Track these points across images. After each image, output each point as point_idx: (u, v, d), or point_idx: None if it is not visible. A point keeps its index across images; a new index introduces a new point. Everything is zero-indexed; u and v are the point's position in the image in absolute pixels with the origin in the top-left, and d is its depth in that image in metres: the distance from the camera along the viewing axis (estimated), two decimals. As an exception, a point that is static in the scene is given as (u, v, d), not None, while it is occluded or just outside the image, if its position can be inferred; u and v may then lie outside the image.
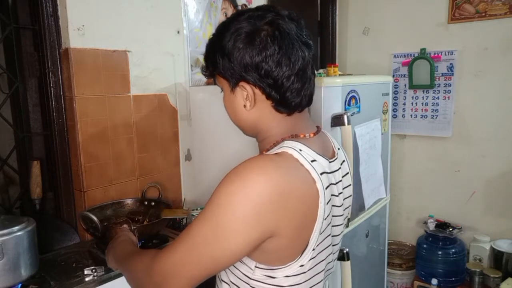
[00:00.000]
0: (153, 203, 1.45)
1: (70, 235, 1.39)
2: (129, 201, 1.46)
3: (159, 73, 1.64)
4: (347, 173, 0.89)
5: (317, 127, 0.87)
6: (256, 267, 0.73)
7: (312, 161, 0.74)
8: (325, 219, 0.75)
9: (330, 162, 0.81)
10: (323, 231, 0.76)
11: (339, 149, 0.91)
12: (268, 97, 0.77)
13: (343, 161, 0.89)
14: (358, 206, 1.69)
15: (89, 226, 1.20)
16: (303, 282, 0.75)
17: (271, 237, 0.68)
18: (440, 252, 2.36)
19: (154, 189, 1.54)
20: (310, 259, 0.74)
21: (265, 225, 0.67)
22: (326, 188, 0.75)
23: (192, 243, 0.69)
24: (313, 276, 0.77)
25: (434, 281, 2.28)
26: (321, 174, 0.75)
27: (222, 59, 0.77)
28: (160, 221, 1.30)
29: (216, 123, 1.69)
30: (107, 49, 1.44)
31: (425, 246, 2.43)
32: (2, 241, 0.92)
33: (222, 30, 0.78)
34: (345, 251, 1.45)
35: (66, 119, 1.39)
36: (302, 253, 0.73)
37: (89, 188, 1.41)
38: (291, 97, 0.77)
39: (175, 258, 0.71)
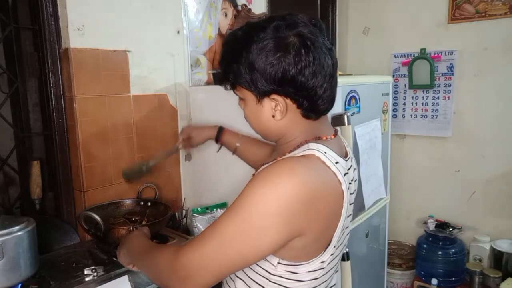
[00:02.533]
0: (149, 204, 1.44)
1: (70, 235, 1.38)
2: (127, 202, 1.45)
3: (159, 73, 1.64)
4: (355, 168, 0.91)
5: (335, 129, 0.88)
6: (278, 263, 0.75)
7: (336, 163, 0.76)
8: (346, 217, 0.79)
9: (346, 161, 0.83)
10: (343, 229, 0.79)
11: (347, 146, 0.93)
12: (299, 106, 0.77)
13: (351, 157, 0.91)
14: (358, 206, 1.69)
15: (91, 226, 1.19)
16: (321, 276, 0.78)
17: (299, 236, 0.70)
18: (440, 252, 2.36)
19: (152, 190, 1.54)
20: (330, 255, 0.77)
21: (294, 225, 0.68)
22: (348, 188, 0.78)
23: (221, 239, 0.70)
24: (329, 270, 0.81)
25: (434, 281, 2.28)
26: (344, 175, 0.77)
27: (251, 73, 0.75)
28: (159, 221, 1.30)
29: (216, 123, 1.68)
30: (107, 49, 1.44)
31: (425, 246, 2.44)
32: (2, 241, 0.92)
33: (247, 42, 0.75)
34: (345, 251, 1.45)
35: (66, 119, 1.39)
36: (325, 250, 0.76)
37: (89, 188, 1.41)
38: (322, 104, 0.78)
39: (203, 252, 0.71)
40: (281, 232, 0.68)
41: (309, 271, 0.76)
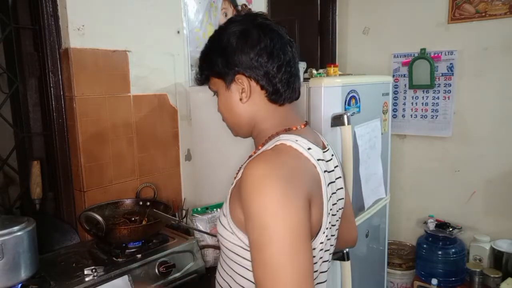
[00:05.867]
0: (148, 203, 1.44)
1: (70, 235, 1.38)
2: (126, 201, 1.45)
3: (159, 73, 1.64)
4: (337, 165, 0.94)
5: (305, 121, 0.92)
6: None
7: (308, 149, 0.79)
8: (328, 200, 0.80)
9: (323, 152, 0.86)
10: (329, 213, 0.81)
11: (328, 144, 0.95)
12: (262, 88, 0.84)
13: (333, 154, 0.94)
14: (358, 206, 1.69)
15: (92, 226, 1.19)
16: None
17: (310, 203, 0.73)
18: (440, 252, 2.36)
19: (152, 189, 1.54)
20: (320, 243, 0.79)
21: (300, 196, 0.71)
22: (324, 172, 0.81)
23: (277, 269, 0.67)
24: (318, 260, 0.82)
25: (434, 281, 2.28)
26: (318, 160, 0.80)
27: (220, 57, 0.84)
28: (160, 221, 1.30)
29: (216, 123, 1.67)
30: (107, 49, 1.44)
31: (425, 246, 2.43)
32: (2, 241, 0.92)
33: (218, 35, 0.86)
34: (345, 251, 1.45)
35: (66, 119, 1.39)
36: (316, 236, 0.78)
37: (89, 188, 1.41)
38: (282, 87, 0.84)
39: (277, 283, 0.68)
40: (299, 205, 0.70)
41: None
